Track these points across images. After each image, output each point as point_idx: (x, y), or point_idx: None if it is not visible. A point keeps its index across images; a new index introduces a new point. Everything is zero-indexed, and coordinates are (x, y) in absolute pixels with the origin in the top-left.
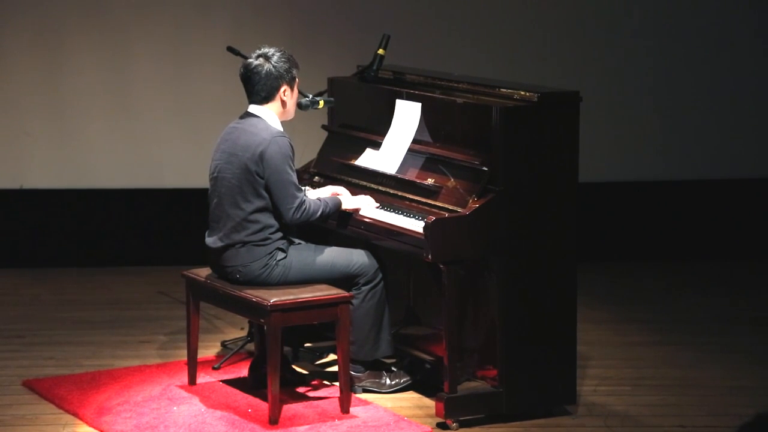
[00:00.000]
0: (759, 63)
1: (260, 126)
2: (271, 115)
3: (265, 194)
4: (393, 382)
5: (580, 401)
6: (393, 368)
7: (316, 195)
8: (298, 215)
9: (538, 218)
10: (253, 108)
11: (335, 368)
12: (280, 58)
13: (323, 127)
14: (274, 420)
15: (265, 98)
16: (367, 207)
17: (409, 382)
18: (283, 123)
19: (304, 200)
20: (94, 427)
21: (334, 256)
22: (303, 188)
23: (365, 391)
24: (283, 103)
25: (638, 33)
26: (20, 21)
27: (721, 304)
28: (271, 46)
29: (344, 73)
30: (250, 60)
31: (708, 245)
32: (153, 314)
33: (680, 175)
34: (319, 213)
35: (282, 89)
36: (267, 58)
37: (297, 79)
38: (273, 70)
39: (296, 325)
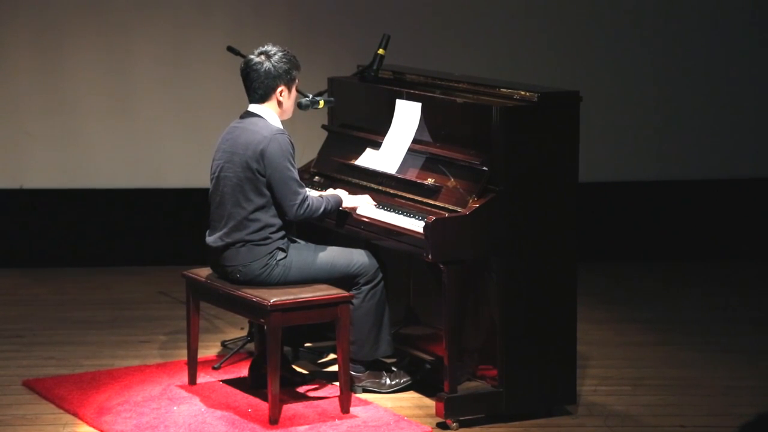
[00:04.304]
0: (759, 63)
1: (260, 124)
2: (270, 113)
3: (266, 192)
4: (393, 382)
5: (580, 401)
6: (393, 368)
7: (318, 194)
8: (302, 211)
9: (538, 218)
10: (252, 107)
11: (335, 368)
12: (281, 58)
13: (323, 127)
14: (274, 420)
15: (261, 97)
16: (366, 206)
17: (409, 382)
18: (282, 122)
19: (307, 196)
20: (94, 427)
21: (334, 256)
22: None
23: (365, 391)
24: (279, 103)
25: (638, 33)
26: (20, 21)
27: (721, 304)
28: (275, 44)
29: (344, 73)
30: (251, 57)
31: (708, 245)
32: (153, 314)
33: (680, 175)
34: (322, 209)
35: (279, 89)
36: (268, 56)
37: (296, 81)
38: (272, 69)
39: (296, 325)
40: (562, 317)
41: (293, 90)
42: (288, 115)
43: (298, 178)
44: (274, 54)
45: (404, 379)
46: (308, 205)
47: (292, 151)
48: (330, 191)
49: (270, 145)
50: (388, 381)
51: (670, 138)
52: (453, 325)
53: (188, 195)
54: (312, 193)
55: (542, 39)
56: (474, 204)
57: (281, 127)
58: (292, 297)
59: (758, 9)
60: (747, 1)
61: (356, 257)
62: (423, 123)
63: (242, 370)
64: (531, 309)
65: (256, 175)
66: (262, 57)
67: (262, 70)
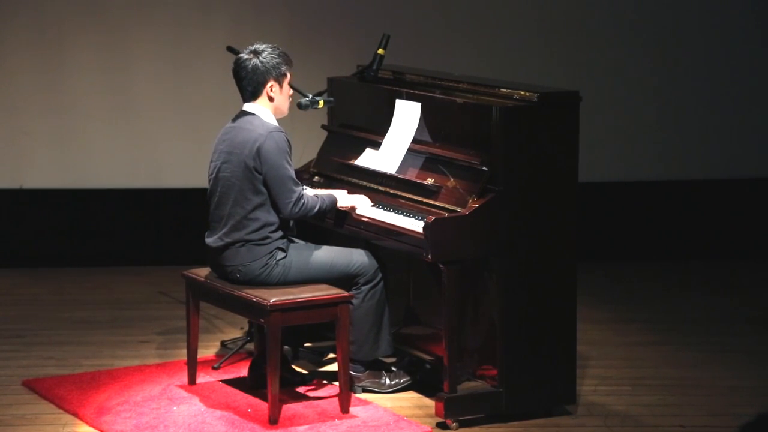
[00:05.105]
0: (759, 63)
1: (256, 123)
2: (264, 111)
3: (263, 190)
4: (393, 382)
5: (580, 401)
6: (393, 368)
7: (313, 194)
8: (297, 209)
9: (538, 218)
10: (246, 106)
11: (335, 368)
12: (270, 53)
13: (323, 127)
14: (273, 420)
15: (252, 94)
16: (362, 205)
17: (409, 382)
18: (281, 122)
19: (302, 195)
20: (94, 427)
21: (334, 255)
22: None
23: (365, 390)
24: (271, 99)
25: (638, 32)
26: (20, 21)
27: (721, 304)
28: (267, 43)
29: (344, 73)
30: (241, 55)
31: (708, 245)
32: (153, 314)
33: (680, 175)
34: (317, 208)
35: (269, 85)
36: (256, 53)
37: (288, 76)
38: (260, 65)
39: (296, 325)
40: (562, 317)
41: (285, 85)
42: (282, 113)
43: (294, 176)
44: (263, 51)
45: (404, 379)
46: (303, 203)
47: (288, 149)
48: (326, 191)
49: (266, 142)
50: (387, 381)
51: (670, 138)
52: (453, 325)
53: (188, 195)
54: (308, 192)
55: (542, 39)
56: (474, 204)
57: (277, 124)
58: (291, 297)
59: (758, 9)
60: (747, 1)
61: (356, 257)
62: (423, 123)
63: (242, 370)
64: (531, 309)
65: (254, 173)
66: (251, 54)
67: (250, 66)
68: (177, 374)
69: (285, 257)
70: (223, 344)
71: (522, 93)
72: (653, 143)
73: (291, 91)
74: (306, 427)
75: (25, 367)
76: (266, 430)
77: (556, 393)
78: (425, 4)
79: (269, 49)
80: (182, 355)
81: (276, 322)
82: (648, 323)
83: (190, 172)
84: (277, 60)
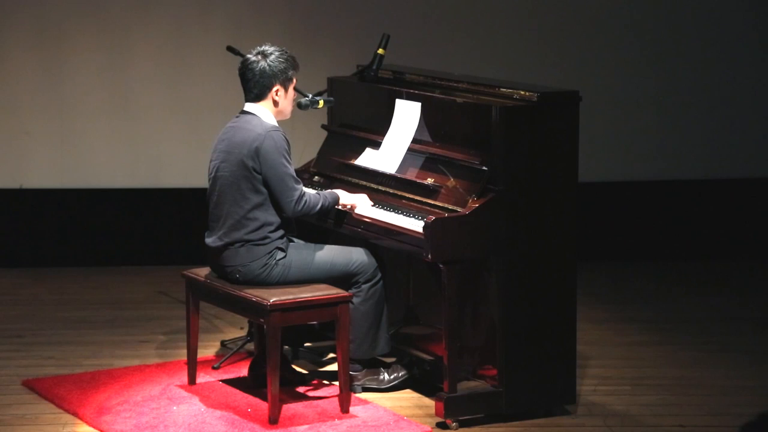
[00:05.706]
0: (758, 63)
1: (254, 122)
2: (265, 112)
3: (263, 190)
4: (391, 377)
5: (579, 401)
6: (390, 363)
7: (314, 192)
8: (300, 207)
9: (538, 218)
10: (247, 106)
11: (335, 368)
12: (277, 57)
13: (323, 126)
14: (273, 420)
15: (257, 96)
16: (363, 204)
17: (407, 376)
18: (282, 123)
19: (304, 192)
20: (94, 427)
21: (333, 255)
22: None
23: (365, 389)
24: (275, 103)
25: (638, 33)
26: (20, 21)
27: (721, 304)
28: (275, 45)
29: (344, 73)
30: (249, 56)
31: (708, 245)
32: (153, 314)
33: (680, 175)
34: (319, 206)
35: (274, 89)
36: (265, 55)
37: (294, 81)
38: (267, 68)
39: (296, 325)
40: (562, 317)
41: (290, 90)
42: (285, 115)
43: (294, 174)
44: (271, 53)
45: (402, 373)
46: (306, 201)
47: (287, 147)
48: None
49: (265, 142)
50: (386, 376)
51: (670, 138)
52: (452, 325)
53: (188, 195)
54: (309, 190)
55: (542, 39)
56: (474, 204)
57: (276, 124)
58: (291, 297)
59: (757, 9)
60: (746, 1)
61: (355, 256)
62: (423, 123)
63: (242, 370)
64: (531, 309)
65: (252, 173)
66: (259, 56)
67: (257, 69)
68: (177, 374)
69: (284, 257)
70: (223, 344)
71: (522, 93)
72: (653, 143)
73: (295, 94)
74: (306, 427)
75: (25, 367)
76: (266, 430)
77: (556, 393)
78: (425, 4)
79: (277, 53)
80: (182, 355)
81: (276, 322)
82: (648, 323)
83: (189, 172)
84: (284, 64)
